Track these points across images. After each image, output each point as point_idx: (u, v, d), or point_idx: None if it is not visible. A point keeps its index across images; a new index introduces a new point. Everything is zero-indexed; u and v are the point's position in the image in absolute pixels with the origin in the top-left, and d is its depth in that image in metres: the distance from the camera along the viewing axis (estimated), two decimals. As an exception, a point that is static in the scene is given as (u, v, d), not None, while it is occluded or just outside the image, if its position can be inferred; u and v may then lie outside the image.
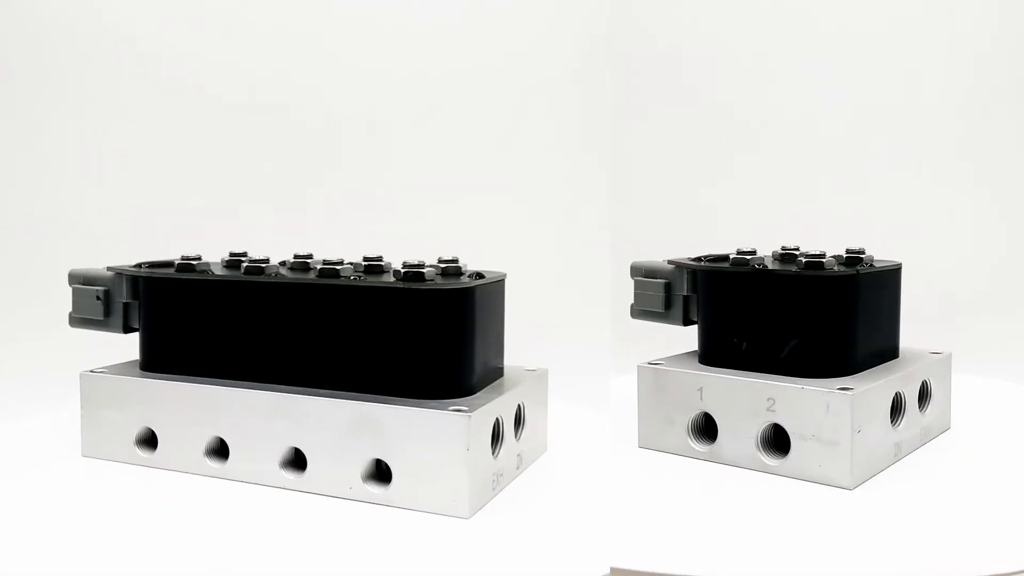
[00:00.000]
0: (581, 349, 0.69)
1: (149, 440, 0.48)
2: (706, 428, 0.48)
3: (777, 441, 0.46)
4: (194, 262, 0.48)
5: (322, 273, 0.45)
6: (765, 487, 0.44)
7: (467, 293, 0.44)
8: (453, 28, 0.77)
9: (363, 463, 0.42)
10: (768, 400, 0.46)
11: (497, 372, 0.48)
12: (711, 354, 0.50)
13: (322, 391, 0.44)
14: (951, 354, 0.53)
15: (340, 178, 0.76)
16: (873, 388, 0.45)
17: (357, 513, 0.41)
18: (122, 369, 0.49)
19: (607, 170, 0.76)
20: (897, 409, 0.47)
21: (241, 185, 0.75)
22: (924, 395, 0.50)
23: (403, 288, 0.43)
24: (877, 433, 0.45)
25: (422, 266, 0.44)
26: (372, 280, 0.44)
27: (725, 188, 0.79)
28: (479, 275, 0.46)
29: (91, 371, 0.49)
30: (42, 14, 0.73)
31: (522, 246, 0.75)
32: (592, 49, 0.77)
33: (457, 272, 0.46)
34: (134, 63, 0.74)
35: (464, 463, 0.41)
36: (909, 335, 0.53)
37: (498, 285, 0.47)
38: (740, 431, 0.47)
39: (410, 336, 0.43)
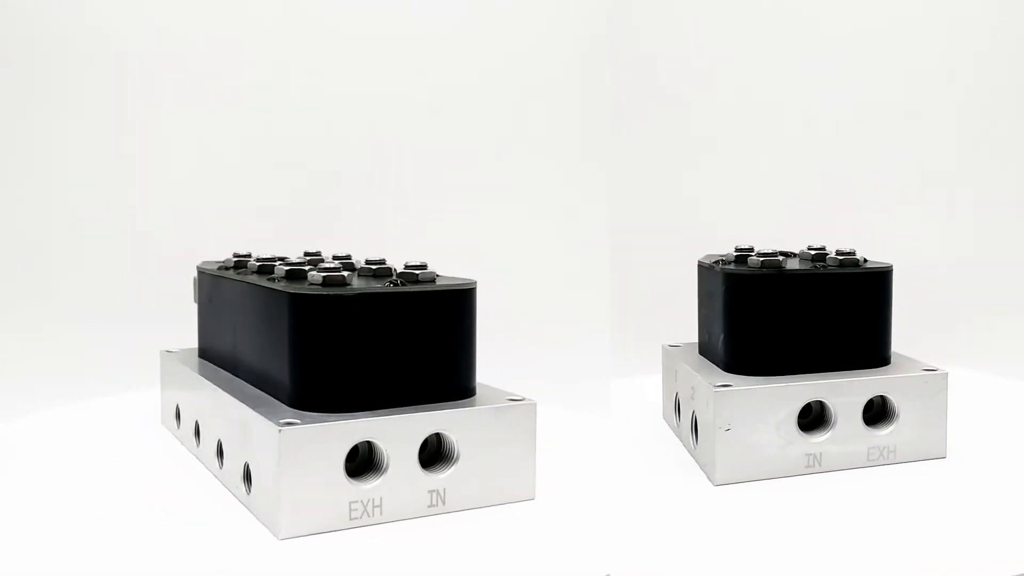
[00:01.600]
0: (580, 350, 0.69)
1: (179, 416, 0.52)
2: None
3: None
4: (241, 258, 0.52)
5: (236, 268, 0.49)
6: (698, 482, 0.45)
7: (334, 301, 0.39)
8: (453, 29, 0.78)
9: (241, 466, 0.41)
10: (691, 389, 0.48)
11: (455, 392, 0.42)
12: (701, 343, 0.53)
13: (251, 388, 0.45)
14: (946, 373, 0.47)
15: (339, 179, 0.78)
16: (761, 390, 0.44)
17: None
18: (184, 353, 0.55)
19: (607, 171, 0.76)
20: (825, 420, 0.46)
21: (240, 186, 0.76)
22: (886, 412, 0.46)
23: (269, 288, 0.42)
24: (766, 437, 0.44)
25: (340, 269, 0.41)
26: (255, 278, 0.45)
27: (726, 188, 0.78)
28: (400, 282, 0.41)
29: (167, 351, 0.55)
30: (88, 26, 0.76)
31: (521, 247, 0.75)
32: (592, 49, 0.78)
33: (407, 278, 0.42)
34: (122, 59, 0.75)
35: (273, 479, 0.38)
36: (928, 342, 0.52)
37: (439, 296, 0.41)
38: (685, 415, 0.49)
39: (283, 341, 0.41)
